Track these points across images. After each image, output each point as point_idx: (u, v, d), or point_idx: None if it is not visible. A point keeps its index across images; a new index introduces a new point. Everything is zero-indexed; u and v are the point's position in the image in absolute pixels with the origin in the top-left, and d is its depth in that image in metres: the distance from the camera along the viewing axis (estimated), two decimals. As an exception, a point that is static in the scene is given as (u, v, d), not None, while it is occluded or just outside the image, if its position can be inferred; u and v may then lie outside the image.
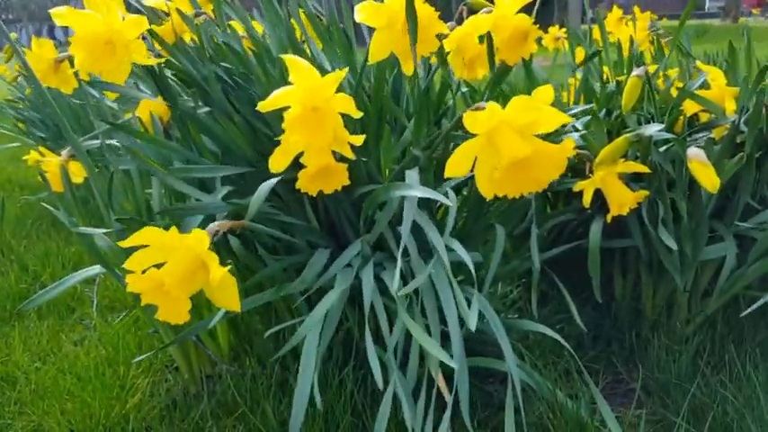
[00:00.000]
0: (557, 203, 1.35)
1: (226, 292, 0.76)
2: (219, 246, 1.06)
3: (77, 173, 1.26)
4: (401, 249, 0.84)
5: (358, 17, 0.85)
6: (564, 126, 1.19)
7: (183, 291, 0.73)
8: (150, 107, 1.07)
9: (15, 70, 2.92)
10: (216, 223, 0.82)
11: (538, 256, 1.17)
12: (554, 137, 1.24)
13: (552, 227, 1.29)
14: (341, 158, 0.86)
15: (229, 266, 0.74)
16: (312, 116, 0.77)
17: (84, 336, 1.46)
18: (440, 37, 0.91)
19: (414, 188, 0.84)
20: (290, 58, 0.79)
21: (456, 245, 0.87)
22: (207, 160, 1.03)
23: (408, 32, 0.83)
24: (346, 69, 0.81)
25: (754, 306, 1.01)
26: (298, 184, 0.84)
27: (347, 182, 0.87)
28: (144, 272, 0.73)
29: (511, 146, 0.73)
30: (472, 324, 0.82)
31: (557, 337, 0.99)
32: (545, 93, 0.76)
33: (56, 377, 1.23)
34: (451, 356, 0.83)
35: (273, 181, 0.87)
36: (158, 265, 0.74)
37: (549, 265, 1.20)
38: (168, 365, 1.26)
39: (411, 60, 0.90)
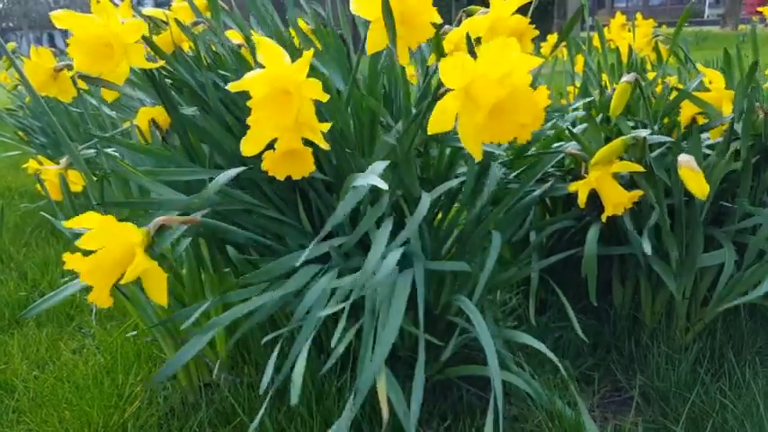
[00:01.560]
0: (555, 210, 1.35)
1: (153, 284, 0.82)
2: (217, 253, 1.07)
3: (76, 181, 1.26)
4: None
5: (353, 8, 0.86)
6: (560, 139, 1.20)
7: (109, 278, 0.78)
8: (149, 115, 1.07)
9: (15, 78, 2.93)
10: (162, 218, 0.84)
11: (536, 264, 1.18)
12: (553, 142, 1.25)
13: (551, 234, 1.29)
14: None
15: (156, 263, 0.79)
16: (279, 97, 0.78)
17: (83, 344, 1.46)
18: (440, 33, 0.92)
19: (365, 176, 0.84)
20: (261, 40, 0.80)
21: (391, 258, 0.86)
22: (204, 169, 1.03)
23: (386, 28, 0.83)
24: (311, 51, 0.81)
25: (742, 300, 1.00)
26: (264, 166, 0.84)
27: (313, 168, 0.87)
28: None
29: (488, 92, 0.72)
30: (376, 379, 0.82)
31: (550, 354, 0.97)
32: (510, 43, 0.76)
33: (54, 386, 1.23)
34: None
35: (238, 170, 0.89)
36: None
37: (548, 272, 1.20)
38: (166, 374, 1.26)
39: (406, 51, 0.91)
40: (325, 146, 0.85)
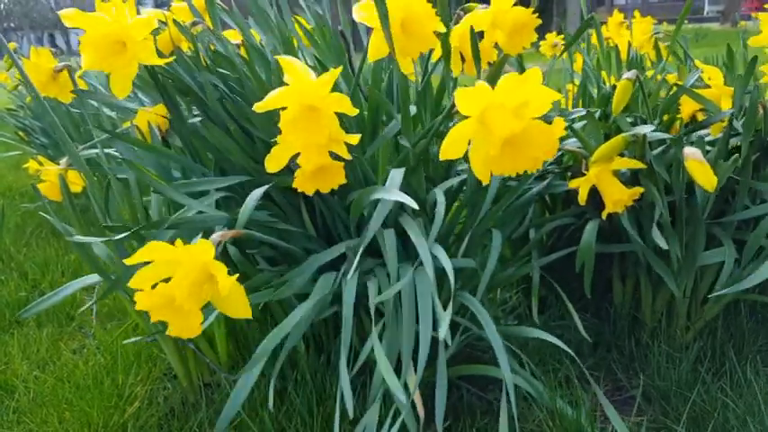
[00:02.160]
0: (555, 208, 1.35)
1: (235, 301, 0.77)
2: (218, 255, 1.06)
3: (76, 181, 1.26)
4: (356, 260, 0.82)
5: (357, 16, 0.85)
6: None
7: (194, 303, 0.73)
8: (149, 116, 1.07)
9: (17, 78, 2.94)
10: (218, 234, 0.83)
11: (536, 262, 1.17)
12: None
13: (551, 232, 1.29)
14: (336, 157, 0.86)
15: (237, 276, 0.74)
16: (308, 115, 0.77)
17: (84, 344, 1.46)
18: (439, 36, 0.91)
19: (388, 191, 0.84)
20: (284, 59, 0.79)
21: (440, 251, 0.86)
22: (205, 168, 1.03)
23: (384, 35, 0.83)
24: (340, 68, 0.81)
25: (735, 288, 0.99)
26: (295, 184, 0.85)
27: (344, 180, 0.87)
28: (155, 286, 0.73)
29: (503, 124, 0.72)
30: (442, 333, 0.81)
31: (559, 343, 0.98)
32: (534, 73, 0.76)
33: (54, 386, 1.23)
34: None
35: (264, 188, 0.88)
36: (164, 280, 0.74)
37: (548, 271, 1.20)
38: (167, 374, 1.26)
39: (409, 60, 0.90)
40: (348, 157, 0.85)
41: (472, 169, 0.78)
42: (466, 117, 0.76)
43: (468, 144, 0.77)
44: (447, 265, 0.83)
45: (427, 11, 0.84)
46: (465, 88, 0.74)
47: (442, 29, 0.87)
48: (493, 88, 0.74)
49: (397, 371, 0.92)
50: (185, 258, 0.74)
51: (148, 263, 0.75)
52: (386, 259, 0.91)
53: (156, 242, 0.73)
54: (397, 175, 0.88)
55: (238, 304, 0.77)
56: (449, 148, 0.77)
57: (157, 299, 0.72)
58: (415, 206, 0.80)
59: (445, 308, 1.05)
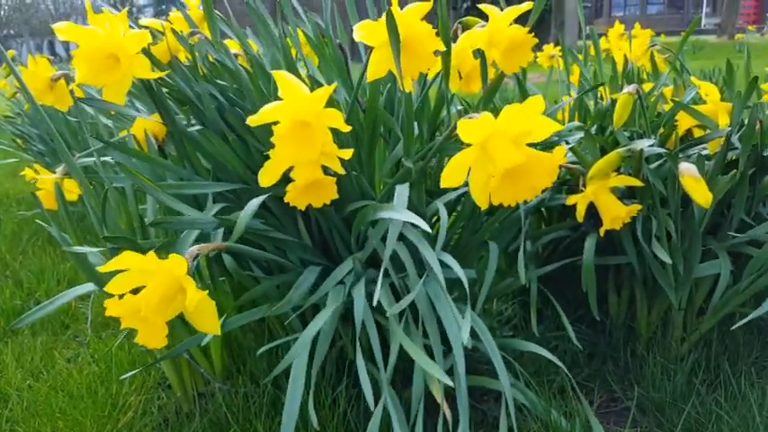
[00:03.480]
0: (551, 220, 1.35)
1: (204, 316, 0.77)
2: (213, 264, 1.07)
3: (72, 189, 1.26)
4: (382, 269, 0.84)
5: (357, 36, 0.85)
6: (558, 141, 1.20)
7: (160, 316, 0.73)
8: (145, 125, 1.07)
9: (15, 86, 2.94)
10: (196, 246, 0.82)
11: (533, 273, 1.18)
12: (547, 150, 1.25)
13: (547, 243, 1.29)
14: (332, 173, 0.86)
15: (207, 291, 0.75)
16: (301, 130, 0.78)
17: (78, 353, 1.45)
18: (438, 54, 0.92)
19: (398, 211, 0.85)
20: (278, 74, 0.80)
21: (450, 260, 0.87)
22: (201, 178, 1.03)
23: (392, 50, 0.83)
24: (335, 84, 0.81)
25: (745, 320, 1.01)
26: (286, 198, 0.85)
27: (336, 195, 0.87)
28: (122, 296, 0.73)
29: (505, 154, 0.73)
30: (464, 337, 0.82)
31: (551, 357, 0.98)
32: (536, 102, 0.76)
33: (48, 395, 1.22)
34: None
35: (262, 198, 0.88)
36: (140, 288, 0.74)
37: (544, 282, 1.20)
38: (161, 383, 1.25)
39: (409, 78, 0.90)
40: (341, 171, 0.85)
41: (472, 196, 0.79)
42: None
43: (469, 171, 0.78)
44: (460, 272, 0.84)
45: (427, 31, 0.84)
46: (468, 119, 0.75)
47: (442, 48, 0.87)
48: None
49: (393, 383, 0.92)
50: (157, 270, 0.74)
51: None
52: (389, 270, 0.91)
53: (131, 252, 0.74)
54: (403, 191, 0.89)
55: (207, 320, 0.77)
56: (449, 176, 0.78)
57: (126, 308, 0.73)
58: (428, 228, 0.80)
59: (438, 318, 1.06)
